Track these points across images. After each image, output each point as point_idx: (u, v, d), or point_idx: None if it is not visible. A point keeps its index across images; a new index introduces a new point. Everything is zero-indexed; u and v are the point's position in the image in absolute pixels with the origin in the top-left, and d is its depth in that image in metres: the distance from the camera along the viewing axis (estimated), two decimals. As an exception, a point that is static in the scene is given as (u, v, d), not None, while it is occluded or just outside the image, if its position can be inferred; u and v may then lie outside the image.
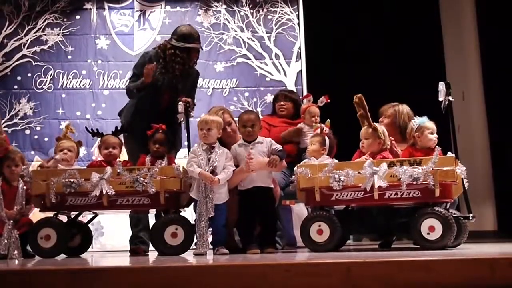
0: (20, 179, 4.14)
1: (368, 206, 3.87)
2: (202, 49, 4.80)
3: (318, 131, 4.19)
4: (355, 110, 4.03)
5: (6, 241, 3.89)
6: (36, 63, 6.52)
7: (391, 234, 4.39)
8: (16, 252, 3.88)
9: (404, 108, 4.49)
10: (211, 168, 3.79)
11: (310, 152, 4.00)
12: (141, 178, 3.79)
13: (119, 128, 4.35)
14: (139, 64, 4.65)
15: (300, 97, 5.11)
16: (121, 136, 4.50)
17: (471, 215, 3.78)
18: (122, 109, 4.80)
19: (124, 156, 4.55)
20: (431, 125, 3.93)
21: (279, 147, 4.01)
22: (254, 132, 3.98)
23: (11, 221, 3.97)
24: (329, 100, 4.74)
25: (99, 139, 4.28)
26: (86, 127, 4.71)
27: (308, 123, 4.69)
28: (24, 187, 4.11)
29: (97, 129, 4.31)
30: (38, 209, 4.02)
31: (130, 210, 4.26)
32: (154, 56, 4.63)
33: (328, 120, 4.30)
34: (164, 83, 4.55)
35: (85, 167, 4.32)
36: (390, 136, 4.23)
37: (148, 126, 4.22)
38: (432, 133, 3.90)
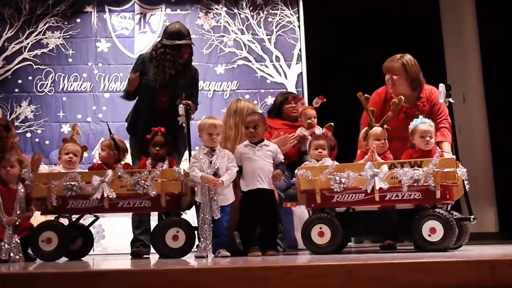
0: (20, 183, 4.12)
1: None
2: (194, 44, 4.80)
3: (316, 130, 4.19)
4: (355, 111, 4.05)
5: (7, 246, 3.89)
6: (37, 66, 6.53)
7: (394, 237, 4.38)
8: (17, 256, 3.88)
9: (410, 58, 4.40)
10: (213, 170, 3.79)
11: (315, 155, 3.99)
12: (142, 181, 3.79)
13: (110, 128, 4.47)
14: (133, 68, 4.73)
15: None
16: (127, 140, 4.60)
17: (472, 216, 3.78)
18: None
19: (128, 159, 4.58)
20: (424, 127, 3.89)
21: (282, 158, 4.01)
22: (257, 133, 3.96)
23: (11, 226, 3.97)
24: (324, 100, 4.71)
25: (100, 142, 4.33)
26: (107, 123, 4.99)
27: (305, 125, 4.69)
28: (23, 189, 4.09)
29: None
30: (39, 212, 4.03)
31: (131, 213, 4.27)
32: (147, 58, 4.69)
33: (332, 123, 4.30)
34: (158, 83, 4.57)
35: (86, 170, 4.32)
36: (403, 92, 4.23)
37: (148, 128, 4.24)
38: (422, 137, 3.87)
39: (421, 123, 3.91)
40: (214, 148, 3.89)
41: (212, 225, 3.73)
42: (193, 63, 4.86)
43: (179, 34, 4.64)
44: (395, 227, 4.40)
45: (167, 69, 4.57)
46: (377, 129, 3.94)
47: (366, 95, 4.02)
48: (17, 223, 3.98)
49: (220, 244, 3.77)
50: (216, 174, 3.79)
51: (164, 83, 4.57)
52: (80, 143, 4.37)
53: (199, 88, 5.09)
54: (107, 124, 4.80)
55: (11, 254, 3.87)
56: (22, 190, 4.08)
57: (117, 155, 4.25)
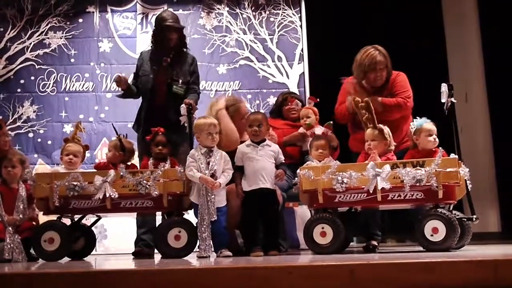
0: (21, 182, 4.12)
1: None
2: (181, 27, 4.83)
3: (316, 130, 4.19)
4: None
5: (9, 246, 3.89)
6: (39, 66, 6.53)
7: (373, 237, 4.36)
8: (19, 257, 3.88)
9: (382, 48, 4.50)
10: (211, 172, 3.79)
11: (316, 156, 3.99)
12: (144, 181, 3.80)
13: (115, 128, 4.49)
14: (136, 66, 4.89)
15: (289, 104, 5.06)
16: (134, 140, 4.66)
17: (474, 216, 3.78)
18: None
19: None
20: (429, 126, 3.90)
21: (282, 158, 4.00)
22: (261, 132, 3.95)
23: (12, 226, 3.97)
24: (318, 100, 4.74)
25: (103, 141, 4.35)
26: (112, 124, 5.03)
27: (303, 125, 4.70)
28: (24, 189, 4.09)
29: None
30: (42, 213, 4.03)
31: (133, 213, 4.27)
32: (145, 52, 4.87)
33: (331, 122, 4.29)
34: (153, 71, 4.68)
35: (89, 170, 4.33)
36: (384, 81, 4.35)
37: (149, 124, 4.36)
38: (430, 135, 3.87)
39: (426, 122, 3.91)
40: (212, 148, 3.89)
41: (211, 225, 3.73)
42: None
43: (163, 19, 4.77)
44: (378, 228, 4.39)
45: (159, 55, 4.69)
46: (366, 131, 3.95)
47: (356, 98, 4.03)
48: (17, 222, 3.99)
49: (221, 243, 3.77)
50: (212, 176, 3.79)
51: (159, 72, 4.66)
52: (83, 142, 4.37)
53: (201, 88, 5.10)
54: (113, 125, 4.80)
55: (14, 254, 3.88)
56: (24, 190, 4.08)
57: (123, 156, 4.23)
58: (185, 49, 4.81)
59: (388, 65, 4.43)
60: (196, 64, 4.88)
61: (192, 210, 4.04)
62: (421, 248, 3.67)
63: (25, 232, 3.99)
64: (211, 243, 3.75)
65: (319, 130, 4.54)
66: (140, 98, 4.85)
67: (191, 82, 4.73)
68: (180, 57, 4.74)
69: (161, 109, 4.59)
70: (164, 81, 4.64)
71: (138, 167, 4.30)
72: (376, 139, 3.88)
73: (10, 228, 3.94)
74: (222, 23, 6.82)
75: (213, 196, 3.74)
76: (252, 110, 6.39)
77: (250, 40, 6.80)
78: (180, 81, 4.63)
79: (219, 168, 3.84)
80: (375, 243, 4.26)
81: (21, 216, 4.02)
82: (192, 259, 3.60)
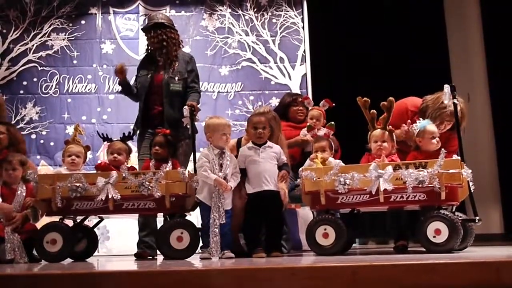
0: (22, 183, 4.13)
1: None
2: (167, 24, 4.89)
3: (319, 132, 4.18)
4: (360, 112, 4.03)
5: (9, 245, 3.90)
6: (41, 68, 6.55)
7: (406, 237, 4.36)
8: (21, 257, 3.89)
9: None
10: (224, 174, 3.79)
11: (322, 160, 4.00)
12: (147, 182, 3.80)
13: (127, 134, 4.35)
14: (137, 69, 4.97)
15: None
16: (132, 143, 4.61)
17: (477, 218, 3.77)
18: None
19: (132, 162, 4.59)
20: (432, 128, 3.90)
21: (285, 159, 3.99)
22: (265, 134, 3.96)
23: (9, 227, 3.97)
24: (333, 104, 4.70)
25: (105, 143, 4.32)
26: (97, 131, 4.95)
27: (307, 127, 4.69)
28: (24, 189, 4.10)
29: (106, 134, 4.37)
30: (44, 214, 4.04)
31: (135, 214, 4.27)
32: (144, 56, 4.99)
33: (332, 122, 4.28)
34: (151, 71, 4.74)
35: (91, 171, 4.33)
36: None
37: (149, 126, 4.43)
38: (433, 138, 3.88)
39: (429, 124, 3.91)
40: (224, 149, 3.88)
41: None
42: (197, 65, 4.93)
43: (148, 19, 5.00)
44: (406, 227, 4.39)
45: (153, 55, 4.79)
46: (375, 132, 3.94)
47: (365, 98, 4.01)
48: (13, 217, 3.99)
49: (225, 245, 3.77)
50: (224, 178, 3.79)
51: (156, 72, 4.72)
52: (84, 143, 4.37)
53: (203, 90, 5.11)
54: (98, 133, 4.75)
55: (15, 255, 3.88)
56: (24, 191, 4.08)
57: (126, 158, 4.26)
58: (175, 47, 4.81)
59: (460, 123, 4.09)
60: (194, 62, 4.88)
61: (193, 211, 4.04)
62: (423, 249, 3.67)
63: (25, 233, 3.99)
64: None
65: (321, 131, 4.53)
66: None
67: (191, 81, 4.73)
68: (175, 55, 4.75)
69: (159, 110, 4.60)
70: (160, 80, 4.66)
71: (137, 169, 4.29)
72: (387, 141, 3.89)
73: (8, 229, 3.95)
74: (224, 24, 6.83)
75: (223, 199, 3.75)
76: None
77: (252, 41, 6.81)
78: (177, 78, 4.64)
79: (230, 172, 3.84)
80: (405, 243, 4.26)
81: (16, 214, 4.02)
82: (195, 260, 3.60)
